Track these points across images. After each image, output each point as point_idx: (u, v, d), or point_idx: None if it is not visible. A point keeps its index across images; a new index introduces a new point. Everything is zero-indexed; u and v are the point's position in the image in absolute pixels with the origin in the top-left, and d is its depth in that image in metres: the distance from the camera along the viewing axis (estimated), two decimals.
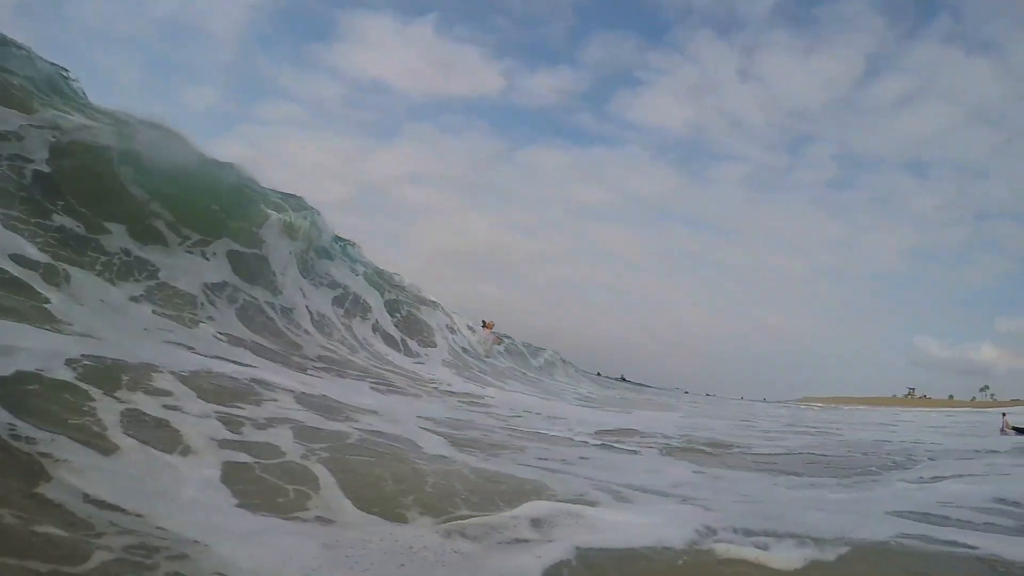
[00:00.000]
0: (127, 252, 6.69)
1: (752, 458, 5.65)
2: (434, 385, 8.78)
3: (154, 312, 5.88)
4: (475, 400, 8.14)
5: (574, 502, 2.71)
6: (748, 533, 2.46)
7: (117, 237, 6.70)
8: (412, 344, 11.94)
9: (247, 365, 5.19)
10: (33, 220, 5.96)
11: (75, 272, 5.53)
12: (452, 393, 8.53)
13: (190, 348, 4.98)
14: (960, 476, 4.54)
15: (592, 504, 2.77)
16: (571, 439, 5.69)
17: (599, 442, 5.64)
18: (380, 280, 12.86)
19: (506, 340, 20.77)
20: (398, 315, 12.52)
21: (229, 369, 4.50)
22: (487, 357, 16.40)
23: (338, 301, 10.68)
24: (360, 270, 12.31)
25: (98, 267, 6.11)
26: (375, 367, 8.57)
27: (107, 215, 6.76)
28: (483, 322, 17.98)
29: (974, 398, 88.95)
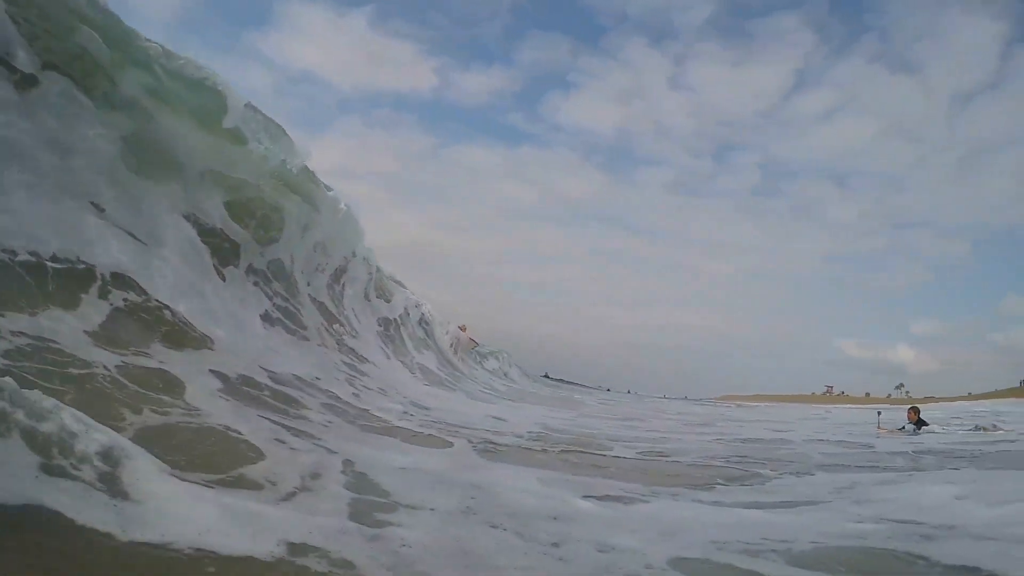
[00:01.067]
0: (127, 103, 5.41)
1: (592, 460, 4.92)
2: (340, 339, 8.44)
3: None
4: (360, 369, 7.87)
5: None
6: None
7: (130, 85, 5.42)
8: (378, 303, 11.60)
9: (156, 274, 4.74)
10: None
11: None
12: (353, 352, 8.22)
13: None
14: (812, 503, 3.51)
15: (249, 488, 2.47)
16: (389, 423, 5.32)
17: (421, 431, 5.27)
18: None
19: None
20: (380, 284, 12.25)
21: (101, 259, 4.10)
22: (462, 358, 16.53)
23: (340, 269, 10.18)
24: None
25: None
26: (311, 310, 8.15)
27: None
28: (460, 327, 18.37)
29: (890, 395, 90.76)
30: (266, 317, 6.67)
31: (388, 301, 12.35)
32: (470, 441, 5.15)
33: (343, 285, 10.12)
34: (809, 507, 3.40)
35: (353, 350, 8.60)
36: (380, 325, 11.34)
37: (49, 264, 3.60)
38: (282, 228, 7.81)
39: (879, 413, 10.19)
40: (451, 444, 4.89)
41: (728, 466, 5.13)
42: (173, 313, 4.57)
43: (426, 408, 7.40)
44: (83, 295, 3.72)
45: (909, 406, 10.06)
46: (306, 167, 8.33)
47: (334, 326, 8.71)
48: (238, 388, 4.12)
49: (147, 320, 4.13)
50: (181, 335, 4.37)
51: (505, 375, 21.80)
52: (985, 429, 9.60)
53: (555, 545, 2.29)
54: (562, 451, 5.28)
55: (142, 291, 4.38)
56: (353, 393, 6.26)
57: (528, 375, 28.12)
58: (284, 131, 7.59)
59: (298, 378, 5.52)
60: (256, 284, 6.91)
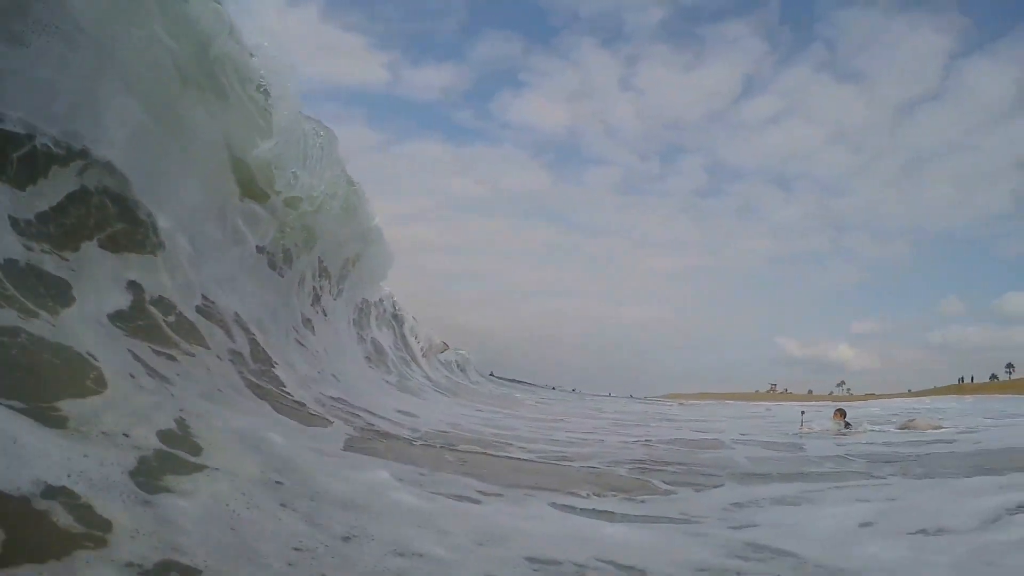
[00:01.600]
0: None
1: (475, 460, 4.39)
2: (318, 292, 8.33)
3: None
4: (312, 324, 7.76)
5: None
6: None
7: None
8: (370, 286, 11.55)
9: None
10: None
11: None
12: (318, 306, 8.24)
13: None
14: (690, 521, 2.95)
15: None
16: (282, 386, 5.03)
17: (306, 404, 4.97)
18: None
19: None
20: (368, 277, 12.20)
21: (101, 148, 3.81)
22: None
23: (359, 254, 10.12)
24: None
25: None
26: (310, 259, 7.87)
27: None
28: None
29: (832, 392, 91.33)
30: (261, 248, 6.21)
31: (372, 285, 12.34)
32: (352, 426, 4.74)
33: (353, 262, 9.88)
34: (683, 526, 2.80)
35: (323, 307, 8.38)
36: (361, 301, 11.20)
37: (39, 139, 3.18)
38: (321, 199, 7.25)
39: (803, 413, 9.69)
40: (328, 424, 4.49)
41: (627, 473, 4.44)
42: (148, 214, 4.09)
43: (338, 382, 6.83)
44: (51, 172, 3.23)
45: (836, 407, 9.40)
46: (348, 180, 8.04)
47: (321, 280, 8.41)
48: (142, 309, 3.60)
49: (104, 214, 3.66)
50: (133, 237, 3.86)
51: (459, 367, 21.57)
52: (907, 427, 9.15)
53: (345, 539, 1.95)
54: (447, 448, 4.82)
55: (124, 181, 3.91)
56: (277, 345, 5.95)
57: (479, 372, 27.21)
58: (336, 140, 7.13)
59: (237, 315, 5.13)
60: (273, 214, 6.28)
